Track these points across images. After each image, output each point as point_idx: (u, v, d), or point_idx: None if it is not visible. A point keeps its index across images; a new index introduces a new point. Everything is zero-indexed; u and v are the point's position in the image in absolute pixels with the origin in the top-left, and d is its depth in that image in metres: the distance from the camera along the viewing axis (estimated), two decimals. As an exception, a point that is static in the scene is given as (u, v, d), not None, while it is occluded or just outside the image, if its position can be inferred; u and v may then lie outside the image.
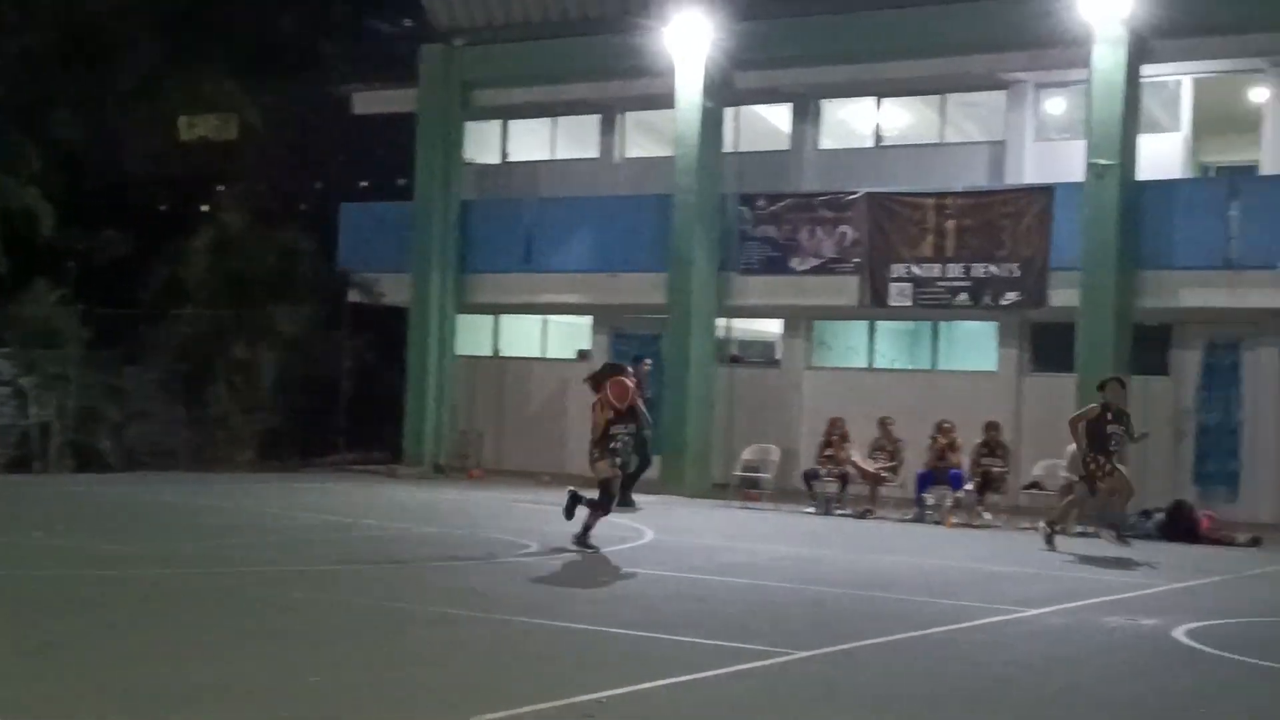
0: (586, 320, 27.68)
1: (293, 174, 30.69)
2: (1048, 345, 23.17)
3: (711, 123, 24.79)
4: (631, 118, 27.84)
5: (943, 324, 24.84)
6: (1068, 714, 8.14)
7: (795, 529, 18.91)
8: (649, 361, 22.39)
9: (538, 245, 26.60)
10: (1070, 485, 19.72)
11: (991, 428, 21.10)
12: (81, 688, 7.64)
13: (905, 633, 10.48)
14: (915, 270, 23.35)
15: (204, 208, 31.18)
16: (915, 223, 23.43)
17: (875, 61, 24.22)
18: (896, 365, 25.73)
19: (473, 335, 28.22)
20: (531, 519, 18.34)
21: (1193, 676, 9.39)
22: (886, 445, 21.43)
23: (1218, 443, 21.89)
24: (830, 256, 24.08)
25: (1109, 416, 16.56)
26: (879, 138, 26.07)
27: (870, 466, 21.21)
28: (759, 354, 27.14)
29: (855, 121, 26.57)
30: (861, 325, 25.71)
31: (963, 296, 23.00)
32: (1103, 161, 21.41)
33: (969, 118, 25.82)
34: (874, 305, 23.80)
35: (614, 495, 14.99)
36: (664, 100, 24.92)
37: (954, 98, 25.47)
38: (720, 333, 25.19)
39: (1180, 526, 19.11)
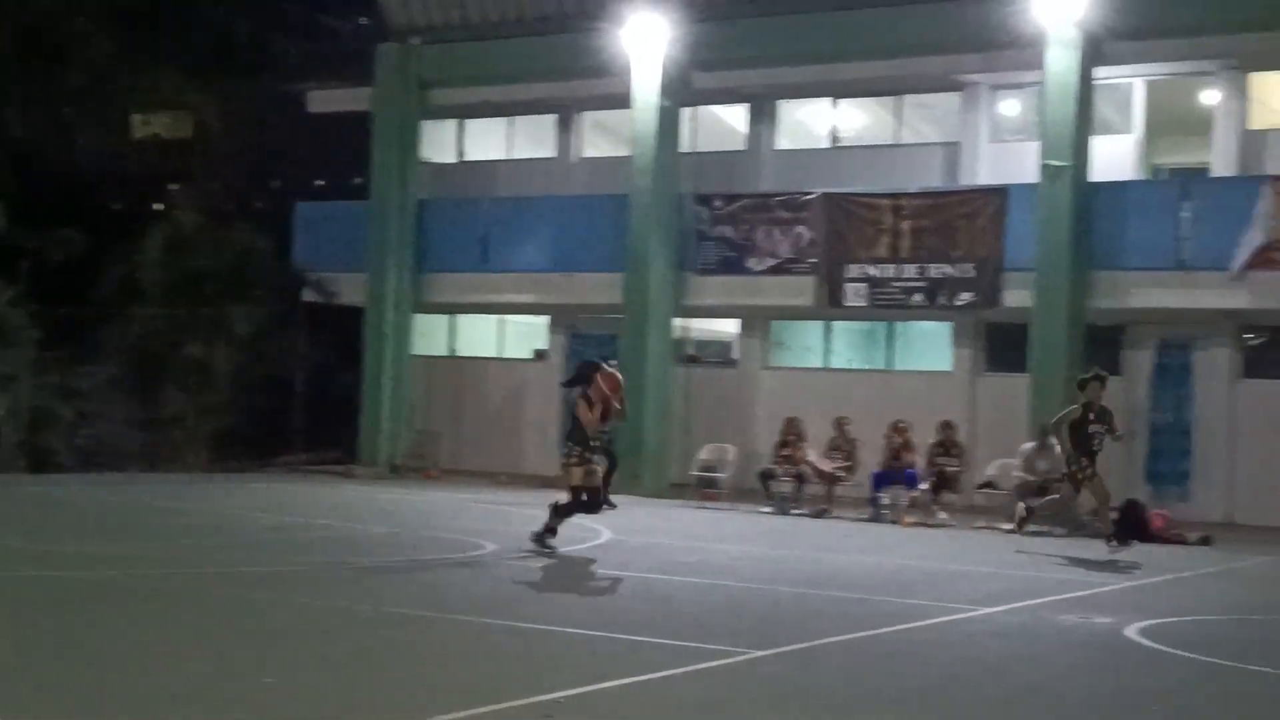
0: (543, 320, 27.66)
1: (247, 172, 30.55)
2: (1002, 345, 23.32)
3: (668, 123, 24.83)
4: (588, 117, 27.84)
5: (898, 324, 24.97)
6: (1023, 712, 8.20)
7: (752, 529, 18.96)
8: (615, 362, 22.42)
9: (494, 245, 26.57)
10: (1026, 485, 19.90)
11: (946, 427, 21.23)
12: (31, 692, 7.56)
13: (862, 631, 10.53)
14: (871, 270, 23.46)
15: (158, 206, 30.98)
16: (871, 223, 23.54)
17: (831, 63, 24.33)
18: (852, 365, 25.84)
19: (429, 335, 28.15)
20: (488, 519, 18.32)
21: (1146, 674, 9.48)
22: (842, 445, 21.52)
23: (1169, 442, 22.09)
24: (787, 257, 24.16)
25: (1091, 417, 16.43)
26: (835, 138, 26.18)
27: (826, 466, 21.30)
28: (716, 354, 27.20)
29: (812, 122, 26.67)
30: (818, 325, 25.82)
31: (918, 297, 23.12)
32: (1056, 163, 21.57)
33: (924, 119, 25.97)
34: (830, 305, 23.90)
35: (593, 498, 14.71)
36: (621, 100, 24.93)
37: (909, 99, 25.61)
38: (677, 333, 25.22)
39: (1133, 525, 19.24)
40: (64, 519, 17.12)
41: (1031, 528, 19.52)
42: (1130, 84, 23.45)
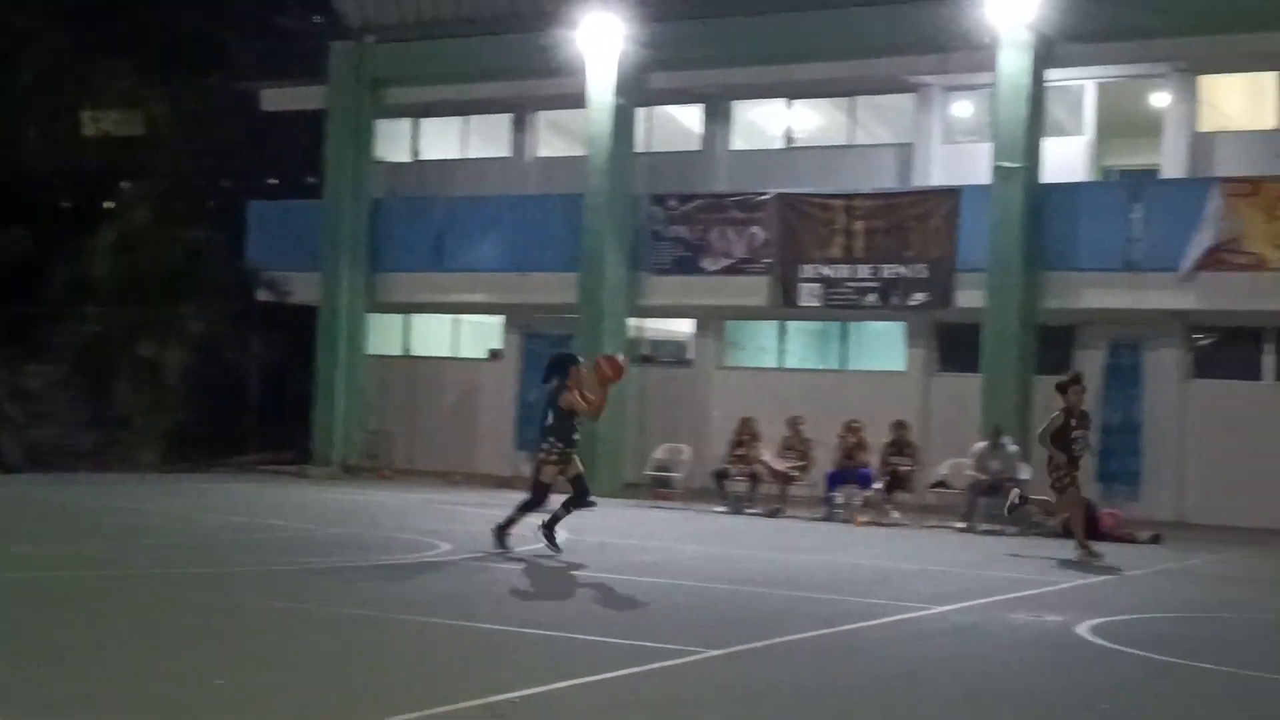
0: (498, 320, 27.62)
1: (199, 170, 30.28)
2: (954, 345, 23.48)
3: (623, 123, 24.85)
4: (543, 117, 27.83)
5: (852, 324, 25.09)
6: (976, 709, 8.25)
7: (706, 528, 19.00)
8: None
9: (449, 244, 26.52)
10: (978, 484, 20.04)
11: (900, 427, 21.34)
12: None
13: (816, 630, 10.57)
14: (825, 271, 23.56)
15: (109, 204, 30.69)
16: (825, 224, 23.64)
17: (785, 63, 24.43)
18: (806, 365, 25.93)
19: (383, 334, 28.05)
20: (443, 519, 18.28)
21: (1097, 672, 9.56)
22: (796, 444, 21.59)
23: (1120, 442, 22.28)
24: (741, 257, 24.23)
25: (1073, 423, 16.42)
26: (790, 139, 26.27)
27: (780, 465, 21.36)
28: (671, 354, 27.24)
29: (766, 123, 26.75)
30: (772, 325, 25.90)
31: (871, 297, 23.24)
32: (1008, 164, 21.74)
33: (878, 120, 26.09)
34: (784, 305, 23.98)
35: (547, 496, 14.64)
36: (576, 100, 24.93)
37: (863, 100, 25.75)
38: (632, 332, 25.24)
39: (1084, 524, 19.38)
40: (13, 520, 16.95)
41: (983, 526, 19.72)
42: (1081, 86, 23.66)
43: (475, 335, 28.73)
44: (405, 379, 27.79)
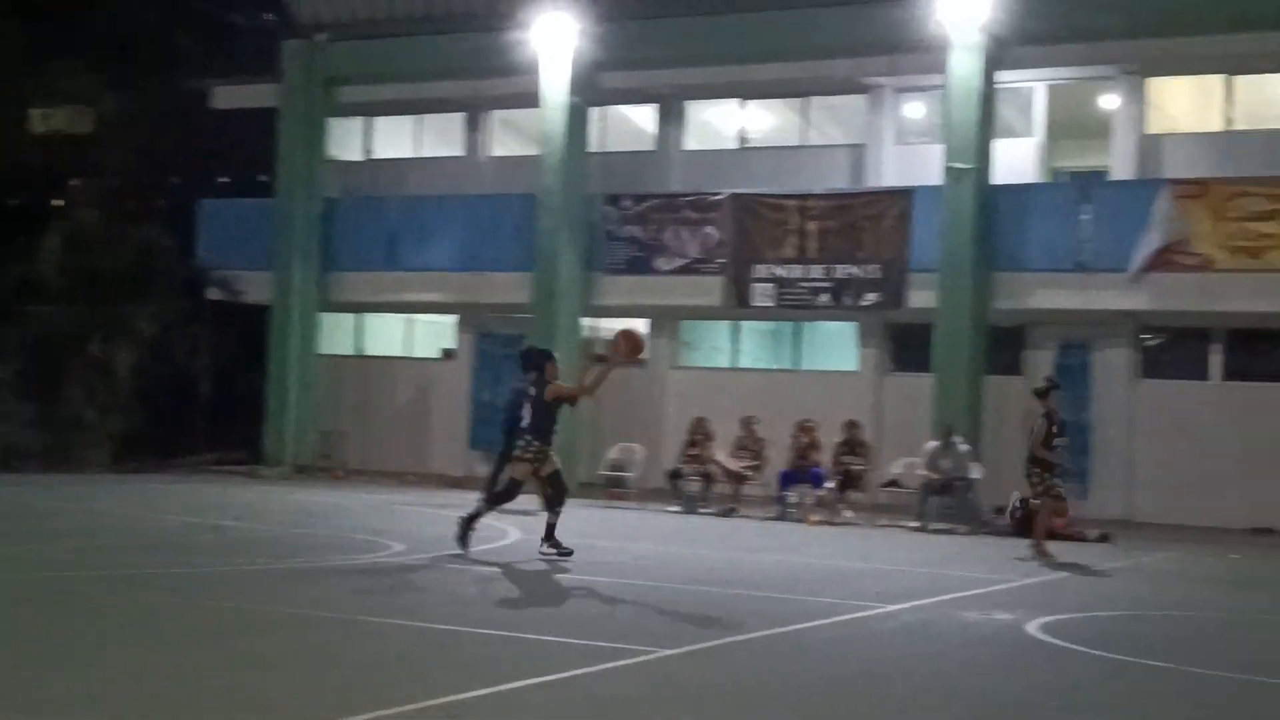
0: (451, 319, 27.56)
1: (150, 169, 30.06)
2: (907, 345, 23.62)
3: (577, 122, 24.86)
4: (497, 116, 27.80)
5: (805, 324, 25.20)
6: (927, 708, 8.31)
7: (660, 528, 19.03)
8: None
9: (402, 243, 26.46)
10: (930, 483, 20.17)
11: (852, 426, 21.45)
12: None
13: (769, 629, 10.61)
14: (778, 271, 23.65)
15: (58, 203, 30.41)
16: (778, 224, 23.73)
17: (739, 64, 24.52)
18: (760, 365, 26.02)
19: (336, 334, 27.95)
20: (396, 520, 18.23)
21: (1046, 670, 9.64)
22: (750, 444, 21.66)
23: (1070, 441, 22.40)
24: (695, 257, 24.29)
25: (1055, 430, 16.49)
26: (743, 139, 26.35)
27: (734, 465, 21.42)
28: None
29: (720, 123, 26.83)
30: (725, 325, 25.97)
31: (824, 297, 23.34)
32: (959, 165, 21.89)
33: (831, 121, 26.22)
34: (738, 305, 24.06)
35: (517, 493, 14.53)
36: (530, 99, 24.93)
37: (816, 101, 25.86)
38: (585, 332, 25.25)
39: (1033, 523, 19.54)
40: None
41: (937, 525, 19.85)
42: (1031, 88, 23.85)
43: (429, 335, 28.67)
44: (358, 379, 27.70)
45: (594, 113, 25.55)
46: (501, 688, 7.98)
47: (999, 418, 22.24)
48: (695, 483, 21.52)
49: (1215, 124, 23.23)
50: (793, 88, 25.28)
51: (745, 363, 26.00)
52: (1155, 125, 23.35)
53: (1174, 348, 22.90)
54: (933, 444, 20.76)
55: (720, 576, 13.71)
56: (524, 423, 14.40)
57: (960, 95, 22.02)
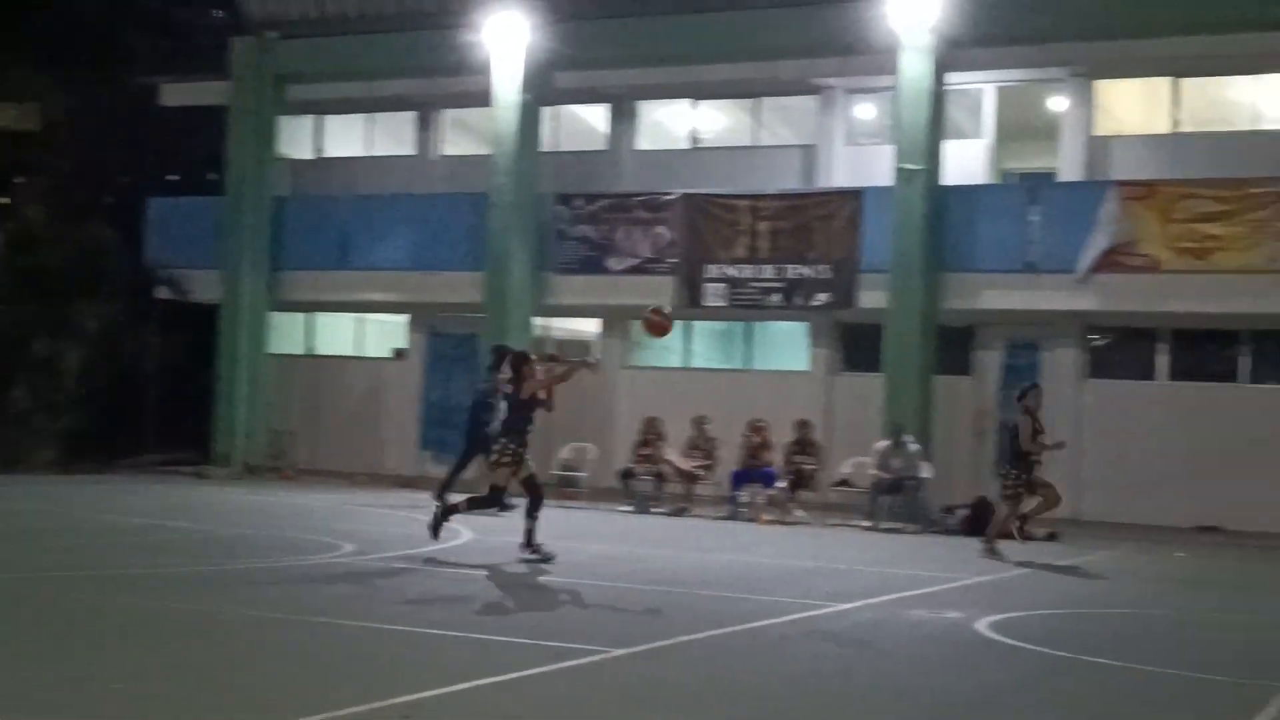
0: (403, 319, 27.47)
1: (98, 167, 29.80)
2: (857, 345, 23.72)
3: (529, 122, 24.84)
4: (449, 115, 27.72)
5: (756, 324, 25.26)
6: (877, 706, 8.37)
7: (612, 527, 19.05)
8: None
9: (353, 242, 26.34)
10: (880, 482, 20.27)
11: (803, 426, 21.54)
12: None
13: (721, 629, 10.65)
14: (729, 271, 23.71)
15: (3, 200, 30.08)
16: (730, 224, 23.79)
17: (691, 64, 24.55)
18: (711, 365, 26.07)
19: (286, 333, 27.79)
20: (346, 520, 18.15)
21: (994, 668, 9.72)
22: (701, 444, 21.71)
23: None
24: (647, 257, 24.31)
25: (1039, 427, 16.59)
26: (695, 140, 26.39)
27: (686, 465, 21.47)
28: (576, 353, 27.22)
29: (672, 123, 26.86)
30: (677, 325, 25.93)
31: (775, 297, 23.41)
32: (910, 166, 22.01)
33: (782, 121, 26.30)
34: (689, 305, 24.07)
35: (500, 498, 14.40)
36: (481, 98, 24.88)
37: (767, 101, 25.94)
38: (537, 332, 25.22)
39: (983, 522, 19.67)
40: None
41: (887, 524, 19.96)
42: (981, 90, 24.00)
43: (380, 334, 28.56)
44: (308, 378, 27.56)
45: (546, 112, 25.53)
46: (454, 688, 7.98)
47: (949, 417, 22.40)
48: (647, 482, 21.55)
49: (1162, 126, 23.46)
50: (744, 88, 25.34)
51: (697, 363, 26.05)
52: (1103, 127, 23.56)
53: (1121, 348, 23.11)
54: (883, 444, 20.88)
55: (672, 576, 13.74)
56: (493, 425, 14.33)
57: (910, 97, 22.14)
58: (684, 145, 26.37)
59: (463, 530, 16.53)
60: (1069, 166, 23.37)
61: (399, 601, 11.51)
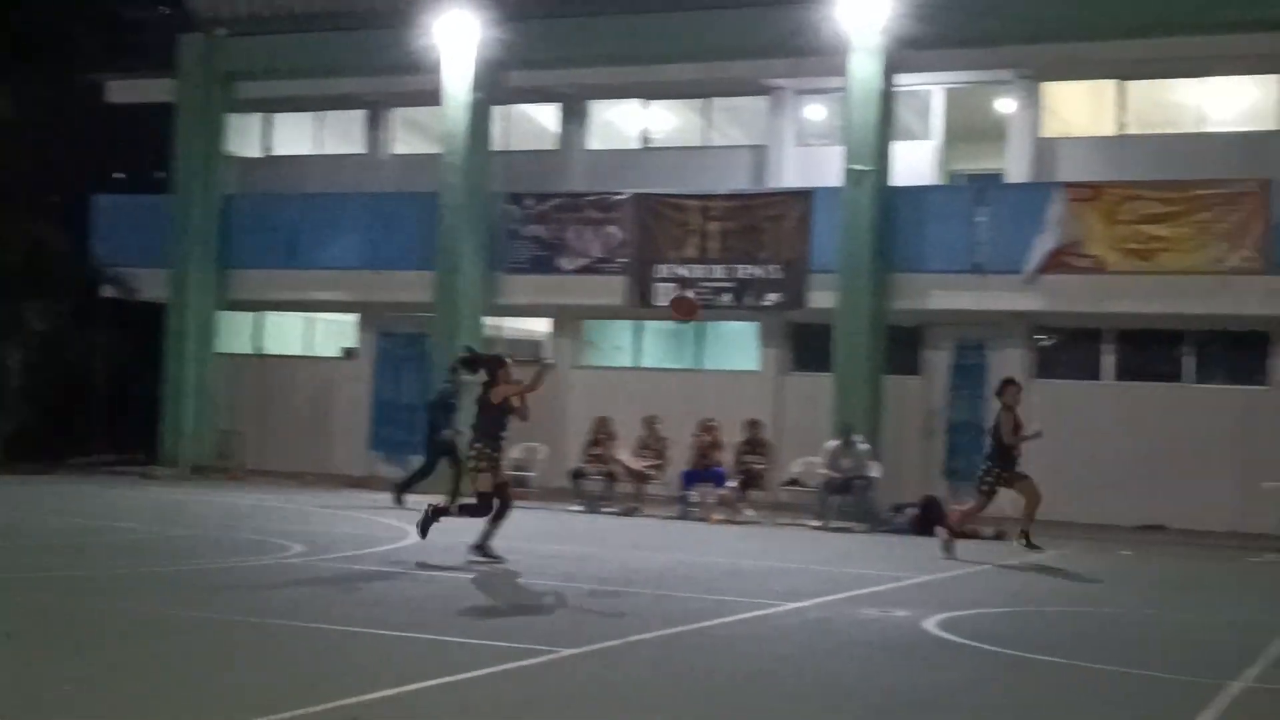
0: (353, 318, 27.35)
1: (43, 164, 29.50)
2: (807, 345, 23.82)
3: (480, 121, 24.79)
4: (399, 114, 27.63)
5: (707, 324, 25.28)
6: (826, 705, 8.41)
7: (562, 527, 19.04)
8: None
9: (303, 242, 26.21)
10: (830, 482, 20.36)
11: (753, 426, 21.60)
12: None
13: (671, 628, 10.67)
14: (680, 271, 23.74)
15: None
16: (680, 224, 23.83)
17: (641, 64, 24.58)
18: (662, 365, 26.10)
19: (234, 333, 27.61)
20: (295, 520, 18.06)
21: (944, 666, 9.78)
22: (652, 444, 21.73)
23: (966, 440, 22.75)
24: (598, 256, 24.32)
25: (1019, 420, 16.65)
26: (646, 140, 26.42)
27: (636, 465, 21.49)
28: (527, 353, 27.20)
29: (622, 123, 26.88)
30: (628, 325, 26.02)
31: (726, 297, 23.46)
32: (859, 167, 22.11)
33: (733, 122, 26.37)
34: (640, 305, 24.12)
35: (488, 508, 14.19)
36: (432, 97, 24.81)
37: (718, 102, 26.01)
38: (488, 332, 25.17)
39: (931, 521, 19.83)
40: None
41: (836, 524, 20.05)
42: (929, 92, 24.16)
43: (329, 334, 28.42)
44: (257, 378, 27.39)
45: (496, 111, 25.48)
46: (402, 689, 7.96)
47: (898, 417, 22.53)
48: (598, 482, 21.56)
49: (1108, 128, 23.69)
50: (695, 89, 25.40)
51: (648, 362, 26.07)
52: (1050, 129, 23.76)
53: (1067, 348, 23.31)
54: (833, 443, 20.97)
55: (622, 576, 13.75)
56: (445, 433, 14.20)
57: (860, 98, 22.25)
58: (635, 145, 26.40)
59: (410, 531, 16.48)
60: (1016, 168, 23.56)
61: (347, 603, 11.47)
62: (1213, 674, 9.60)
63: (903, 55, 22.37)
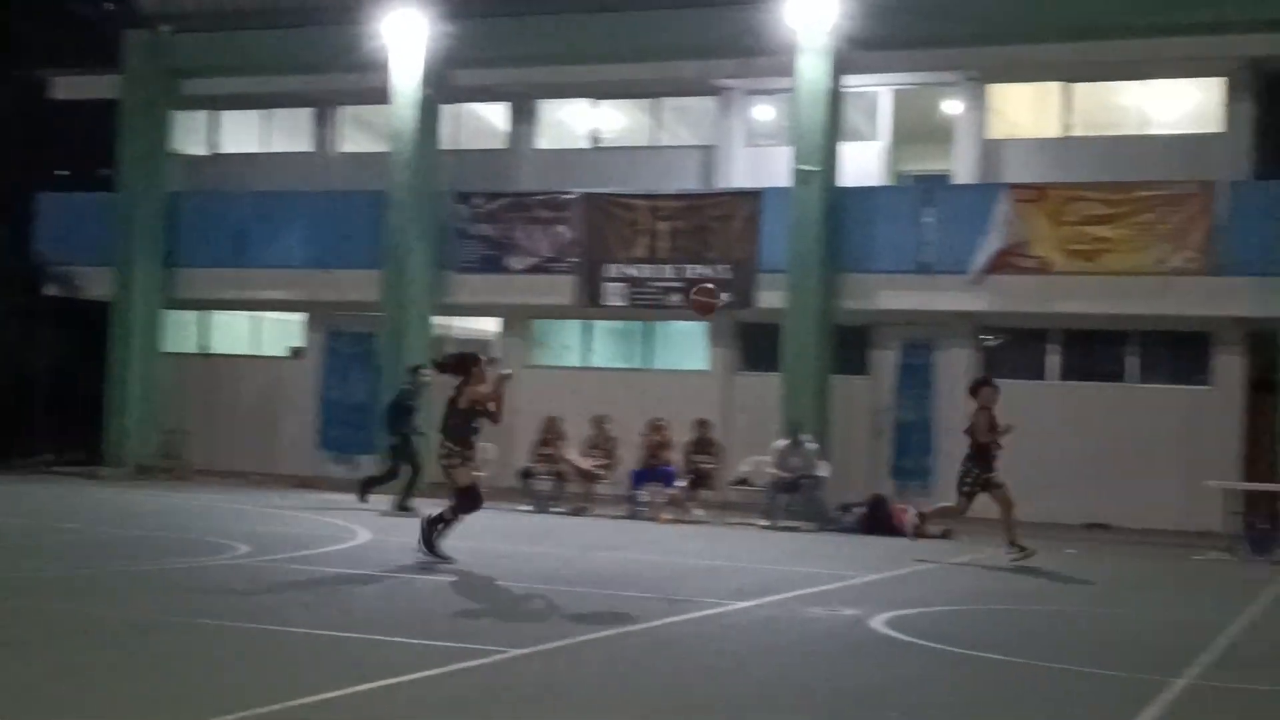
0: (300, 317, 27.20)
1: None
2: (756, 345, 23.88)
3: (428, 119, 24.71)
4: (347, 111, 27.50)
5: (656, 324, 25.33)
6: (773, 703, 8.44)
7: (512, 527, 18.99)
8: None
9: (250, 240, 26.03)
10: (779, 481, 20.42)
11: (702, 425, 21.64)
12: None
13: (620, 627, 10.69)
14: (630, 271, 23.76)
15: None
16: (629, 224, 23.85)
17: (590, 64, 24.58)
18: (611, 364, 26.10)
19: (180, 332, 27.40)
20: (241, 521, 17.95)
21: (890, 664, 9.84)
22: (601, 443, 21.74)
23: (913, 439, 22.93)
24: (547, 256, 24.29)
25: (995, 419, 16.69)
26: (595, 139, 26.41)
27: (586, 464, 21.48)
28: (477, 352, 27.10)
29: (572, 122, 26.86)
30: (577, 324, 26.01)
31: (675, 297, 23.47)
32: (807, 168, 22.20)
33: (682, 122, 26.41)
34: (589, 305, 24.12)
35: (478, 499, 14.23)
36: (380, 95, 24.71)
37: (667, 102, 26.04)
38: (437, 331, 25.09)
39: (879, 520, 19.95)
40: None
41: (785, 523, 20.12)
42: (877, 93, 24.27)
43: (276, 333, 28.25)
44: (203, 377, 27.18)
45: (445, 110, 25.40)
46: (350, 690, 7.93)
47: (845, 417, 22.63)
48: (547, 482, 21.54)
49: (1053, 130, 23.87)
50: (644, 88, 25.42)
51: (597, 362, 26.07)
52: (996, 131, 23.92)
53: (1013, 348, 23.46)
54: (781, 443, 21.04)
55: (571, 575, 13.75)
56: (413, 430, 14.15)
57: (808, 98, 22.33)
58: (584, 145, 26.39)
59: (360, 531, 16.41)
60: (962, 169, 23.72)
61: (292, 603, 11.40)
62: (1157, 671, 9.70)
63: (851, 56, 22.47)
